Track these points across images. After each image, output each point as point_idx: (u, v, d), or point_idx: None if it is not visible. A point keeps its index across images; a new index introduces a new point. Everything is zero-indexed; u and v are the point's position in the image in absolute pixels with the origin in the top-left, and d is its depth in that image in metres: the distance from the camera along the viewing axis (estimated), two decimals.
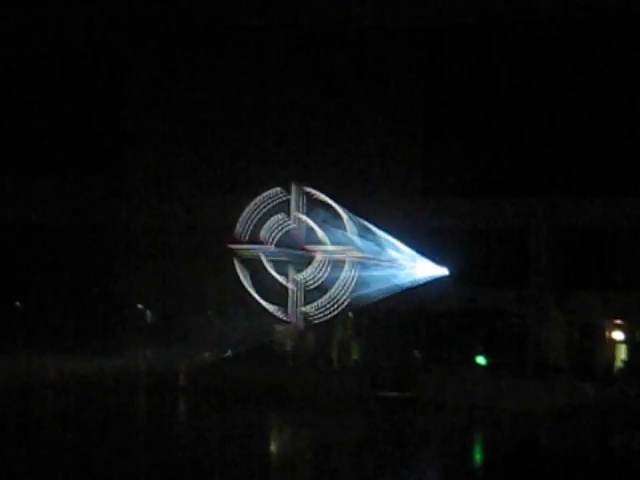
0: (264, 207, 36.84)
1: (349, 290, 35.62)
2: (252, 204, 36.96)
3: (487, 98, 37.63)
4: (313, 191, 36.52)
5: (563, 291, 36.62)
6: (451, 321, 37.38)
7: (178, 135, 40.56)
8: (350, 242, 36.00)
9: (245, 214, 37.00)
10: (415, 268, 35.98)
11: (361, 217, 36.08)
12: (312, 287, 36.31)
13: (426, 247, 35.78)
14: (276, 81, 39.48)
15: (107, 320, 39.75)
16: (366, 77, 38.80)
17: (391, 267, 35.97)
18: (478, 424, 30.33)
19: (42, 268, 40.85)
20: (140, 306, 41.01)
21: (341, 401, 32.79)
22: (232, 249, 37.13)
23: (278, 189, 36.71)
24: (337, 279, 35.81)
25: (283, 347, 38.71)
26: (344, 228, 36.09)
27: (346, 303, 35.63)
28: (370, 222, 36.08)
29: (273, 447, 25.26)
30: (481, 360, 36.04)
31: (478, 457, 24.74)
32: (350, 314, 37.58)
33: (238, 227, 36.93)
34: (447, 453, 23.62)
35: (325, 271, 36.20)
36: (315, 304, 36.07)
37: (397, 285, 35.68)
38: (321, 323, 37.11)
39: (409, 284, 35.83)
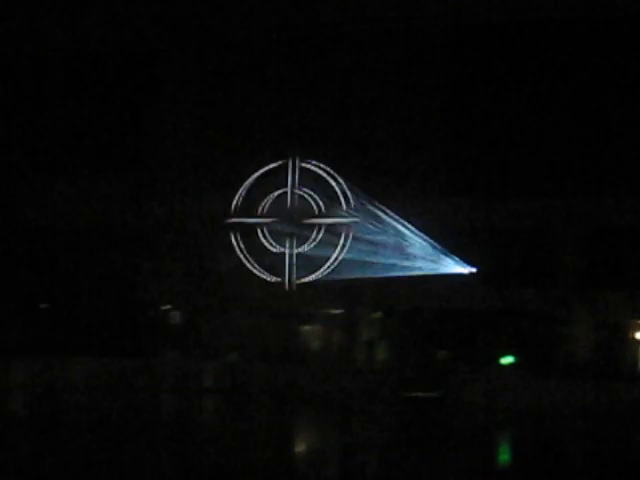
0: (263, 180, 37.55)
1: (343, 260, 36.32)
2: (251, 178, 37.68)
3: (513, 98, 37.47)
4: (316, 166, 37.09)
5: (590, 291, 36.45)
6: (478, 321, 37.23)
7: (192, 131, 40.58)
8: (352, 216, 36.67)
9: (243, 187, 37.70)
10: (438, 262, 36.06)
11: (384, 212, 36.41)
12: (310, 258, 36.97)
13: (452, 246, 35.78)
14: (294, 80, 39.37)
15: (131, 321, 39.83)
16: (391, 74, 38.70)
17: (403, 253, 36.26)
18: (505, 424, 30.22)
19: (66, 270, 40.97)
20: (165, 307, 41.06)
21: (367, 402, 32.78)
22: (228, 223, 37.69)
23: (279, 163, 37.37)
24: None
25: (309, 347, 38.73)
26: (345, 203, 36.73)
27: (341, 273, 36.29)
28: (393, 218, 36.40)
29: (299, 448, 25.23)
30: (508, 360, 35.92)
31: (506, 457, 24.62)
32: (376, 314, 37.59)
33: (236, 200, 37.63)
34: (476, 454, 23.49)
35: (325, 244, 36.88)
36: (312, 275, 36.79)
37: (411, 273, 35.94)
38: (346, 323, 37.24)
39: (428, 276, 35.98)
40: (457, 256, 35.89)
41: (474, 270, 35.95)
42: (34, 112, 41.83)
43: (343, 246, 36.62)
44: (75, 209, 40.70)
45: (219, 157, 39.34)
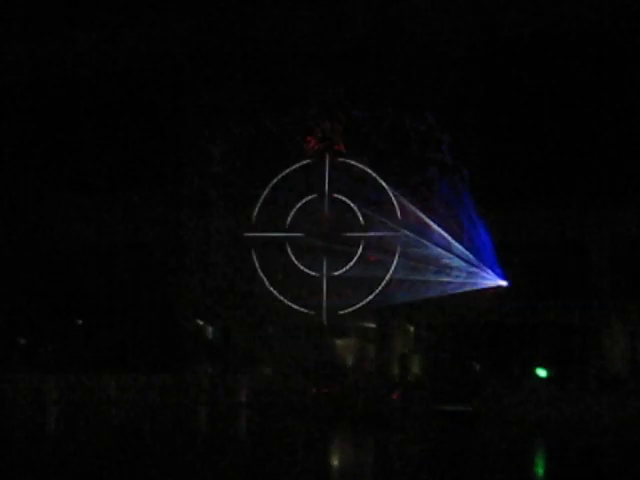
0: (290, 183, 34.91)
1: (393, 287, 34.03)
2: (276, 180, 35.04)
3: (549, 108, 37.45)
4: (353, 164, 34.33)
5: (625, 302, 36.27)
6: (512, 333, 37.12)
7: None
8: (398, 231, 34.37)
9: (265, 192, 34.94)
10: (472, 276, 35.86)
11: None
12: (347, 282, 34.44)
13: (487, 258, 35.67)
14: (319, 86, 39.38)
15: (166, 336, 40.02)
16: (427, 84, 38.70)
17: (444, 271, 35.68)
18: (541, 437, 30.06)
19: (100, 285, 41.25)
20: (200, 322, 41.17)
21: (402, 415, 32.73)
22: (249, 238, 35.40)
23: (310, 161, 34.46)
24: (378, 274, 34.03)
25: (343, 361, 38.71)
26: (392, 214, 34.55)
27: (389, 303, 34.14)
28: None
29: (333, 462, 25.23)
30: (543, 373, 35.75)
31: (540, 471, 24.49)
32: (410, 326, 37.52)
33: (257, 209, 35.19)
34: (510, 467, 23.41)
35: (365, 264, 34.64)
36: (351, 302, 34.35)
37: (449, 291, 35.67)
38: (380, 335, 37.16)
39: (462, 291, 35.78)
40: (491, 269, 35.82)
41: (507, 283, 35.88)
42: (65, 130, 42.31)
43: (396, 265, 34.12)
44: (109, 225, 41.13)
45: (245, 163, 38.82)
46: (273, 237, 35.82)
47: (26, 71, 41.89)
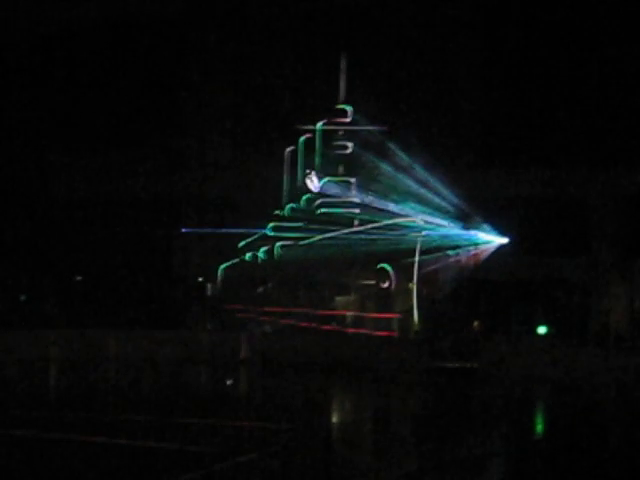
0: None
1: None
2: None
3: (547, 68, 37.19)
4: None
5: (624, 259, 36.26)
6: (512, 290, 37.13)
7: None
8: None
9: None
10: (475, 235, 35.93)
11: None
12: None
13: (487, 216, 35.65)
14: (327, 54, 39.16)
15: (167, 293, 40.08)
16: (428, 47, 38.46)
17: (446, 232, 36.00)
18: (540, 394, 30.15)
19: (100, 241, 41.23)
20: (200, 279, 41.19)
21: (401, 371, 32.80)
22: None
23: None
24: None
25: (343, 317, 38.76)
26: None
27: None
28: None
29: (334, 417, 25.28)
30: (542, 330, 35.78)
31: (540, 428, 24.55)
32: (410, 284, 37.50)
33: None
34: (510, 423, 23.47)
35: None
36: None
37: (454, 250, 35.75)
38: (381, 294, 37.23)
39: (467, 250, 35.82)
40: (492, 226, 35.81)
41: (508, 241, 35.86)
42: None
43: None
44: (110, 182, 41.14)
45: None
46: None
47: (27, 27, 41.56)
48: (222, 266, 39.05)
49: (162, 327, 37.65)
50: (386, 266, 36.74)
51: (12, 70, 41.78)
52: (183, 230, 40.22)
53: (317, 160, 37.58)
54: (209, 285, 40.73)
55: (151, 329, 37.04)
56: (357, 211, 37.27)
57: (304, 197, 37.54)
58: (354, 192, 37.30)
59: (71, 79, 41.98)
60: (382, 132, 36.84)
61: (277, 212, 38.08)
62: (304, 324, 37.01)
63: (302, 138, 37.83)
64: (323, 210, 37.55)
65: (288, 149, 38.10)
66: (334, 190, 37.30)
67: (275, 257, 38.05)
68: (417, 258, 35.81)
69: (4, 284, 40.03)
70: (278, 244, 38.07)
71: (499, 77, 38.08)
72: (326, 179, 37.34)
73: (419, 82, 38.47)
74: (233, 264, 38.74)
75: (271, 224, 37.96)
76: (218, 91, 41.15)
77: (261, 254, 38.42)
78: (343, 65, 38.24)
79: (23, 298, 40.94)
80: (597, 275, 36.56)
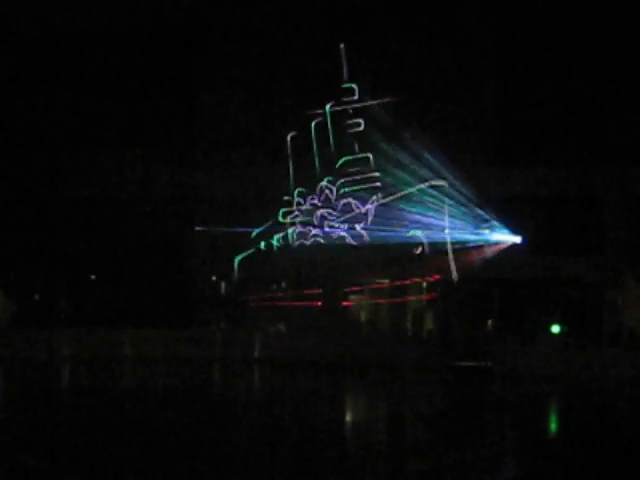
0: None
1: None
2: None
3: (563, 66, 37.08)
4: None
5: (638, 258, 36.17)
6: (526, 289, 37.07)
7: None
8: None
9: None
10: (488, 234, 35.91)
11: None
12: None
13: (501, 215, 35.61)
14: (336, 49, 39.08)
15: (181, 292, 40.08)
16: (440, 43, 38.37)
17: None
18: (555, 393, 30.11)
19: (113, 240, 41.27)
20: (214, 277, 41.18)
21: (415, 370, 32.79)
22: None
23: None
24: None
25: (356, 316, 38.74)
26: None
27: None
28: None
29: (349, 417, 25.29)
30: (556, 329, 35.72)
31: (554, 427, 24.51)
32: (424, 283, 37.48)
33: None
34: (523, 422, 23.45)
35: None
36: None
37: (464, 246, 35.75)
38: (394, 292, 37.19)
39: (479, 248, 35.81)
40: (506, 225, 35.77)
41: (522, 239, 35.81)
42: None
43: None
44: (124, 180, 41.20)
45: None
46: None
47: (41, 25, 41.62)
48: (238, 257, 39.05)
49: (177, 325, 37.64)
50: (418, 232, 36.54)
51: (26, 69, 41.84)
52: (197, 228, 40.23)
53: (332, 141, 37.53)
54: (223, 282, 40.73)
55: (166, 328, 37.06)
56: (379, 184, 37.16)
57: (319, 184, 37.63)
58: (374, 166, 37.21)
59: (85, 78, 41.99)
60: (391, 104, 36.76)
61: (286, 198, 38.20)
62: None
63: (313, 122, 37.80)
64: (346, 189, 37.51)
65: (290, 134, 38.07)
66: (353, 168, 37.33)
67: (291, 244, 38.19)
68: (451, 255, 35.78)
69: (18, 284, 40.07)
70: (291, 230, 38.16)
71: (516, 74, 37.95)
72: (343, 159, 37.43)
73: (433, 79, 38.41)
74: (249, 255, 38.77)
75: (282, 210, 38.09)
76: (225, 86, 41.12)
77: (275, 242, 38.50)
78: (345, 48, 38.10)
79: (37, 297, 40.97)
80: (611, 274, 36.45)
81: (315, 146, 37.77)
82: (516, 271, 36.40)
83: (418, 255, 36.64)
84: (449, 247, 35.83)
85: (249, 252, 38.67)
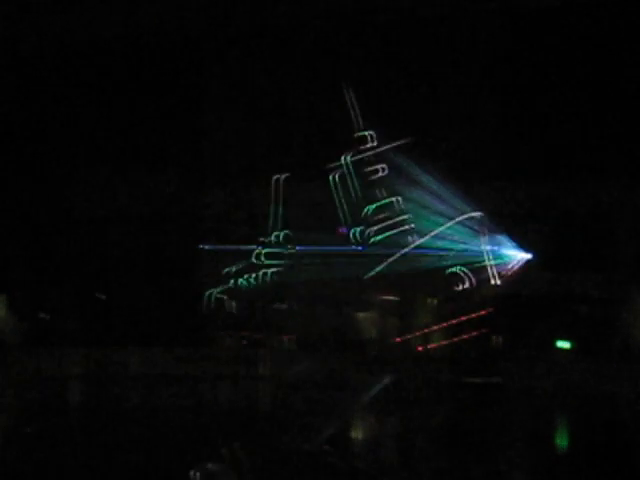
0: None
1: None
2: None
3: (572, 79, 37.08)
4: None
5: None
6: (534, 305, 37.03)
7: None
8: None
9: None
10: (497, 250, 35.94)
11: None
12: None
13: (509, 231, 35.64)
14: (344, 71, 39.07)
15: (190, 308, 40.06)
16: (447, 61, 38.38)
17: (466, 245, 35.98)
18: (565, 409, 30.09)
19: (122, 258, 41.29)
20: (220, 296, 41.15)
21: (423, 386, 32.75)
22: None
23: None
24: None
25: (363, 333, 38.71)
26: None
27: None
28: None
29: (358, 433, 25.28)
30: (565, 344, 35.69)
31: (565, 442, 24.51)
32: (431, 298, 37.45)
33: None
34: (534, 438, 23.43)
35: None
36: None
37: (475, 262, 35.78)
38: (401, 307, 37.15)
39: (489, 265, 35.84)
40: (514, 241, 35.79)
41: (530, 255, 35.83)
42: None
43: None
44: (132, 198, 41.23)
45: None
46: None
47: (48, 43, 41.71)
48: (241, 280, 39.10)
49: (182, 344, 37.57)
50: (459, 268, 36.35)
51: (36, 86, 41.97)
52: (204, 247, 40.22)
53: (355, 191, 37.43)
54: (229, 302, 40.68)
55: (171, 346, 36.99)
56: (412, 226, 37.00)
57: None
58: (402, 209, 37.05)
59: (93, 95, 42.05)
60: (409, 145, 36.68)
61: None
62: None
63: (332, 176, 37.66)
64: (378, 238, 37.38)
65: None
66: (380, 215, 37.22)
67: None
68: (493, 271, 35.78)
69: (25, 301, 40.08)
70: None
71: (523, 89, 37.93)
72: (371, 207, 37.25)
73: (439, 98, 38.36)
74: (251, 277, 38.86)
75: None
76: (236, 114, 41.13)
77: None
78: (351, 93, 38.05)
79: (45, 316, 40.94)
80: (618, 290, 36.41)
81: (337, 199, 37.65)
82: (525, 286, 36.37)
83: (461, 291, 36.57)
84: (491, 273, 35.82)
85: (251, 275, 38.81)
